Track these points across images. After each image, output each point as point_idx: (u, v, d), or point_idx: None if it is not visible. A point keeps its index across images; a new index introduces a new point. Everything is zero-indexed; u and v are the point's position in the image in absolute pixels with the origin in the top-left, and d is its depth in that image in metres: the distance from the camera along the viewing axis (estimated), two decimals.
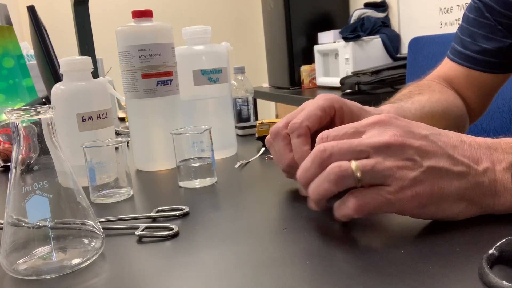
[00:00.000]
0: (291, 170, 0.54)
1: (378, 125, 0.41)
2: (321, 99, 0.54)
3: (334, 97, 0.55)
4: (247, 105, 1.04)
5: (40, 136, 0.41)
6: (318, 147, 0.40)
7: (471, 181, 0.40)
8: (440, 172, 0.39)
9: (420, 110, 0.67)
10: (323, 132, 0.43)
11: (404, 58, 1.71)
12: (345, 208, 0.40)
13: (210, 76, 0.79)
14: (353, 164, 0.39)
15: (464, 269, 0.34)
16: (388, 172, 0.38)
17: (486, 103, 0.81)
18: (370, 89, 1.84)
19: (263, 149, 0.83)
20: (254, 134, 0.92)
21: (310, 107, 0.53)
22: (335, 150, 0.39)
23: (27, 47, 1.51)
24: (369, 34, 2.18)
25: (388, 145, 0.38)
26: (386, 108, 0.65)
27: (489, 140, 0.43)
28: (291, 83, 2.52)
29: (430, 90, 0.74)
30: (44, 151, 0.41)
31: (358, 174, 0.38)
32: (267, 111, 3.32)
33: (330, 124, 0.56)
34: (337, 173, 0.39)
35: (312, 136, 0.53)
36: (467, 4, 0.79)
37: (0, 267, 0.40)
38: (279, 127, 0.54)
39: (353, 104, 0.56)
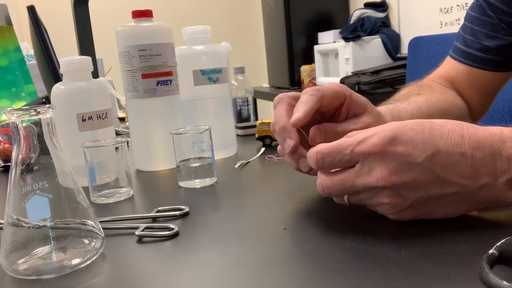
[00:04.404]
0: (282, 133, 0.51)
1: (371, 157, 0.40)
2: (334, 84, 0.56)
3: (344, 86, 0.56)
4: (247, 105, 1.04)
5: (40, 136, 0.41)
6: (318, 186, 0.45)
7: (463, 196, 0.41)
8: (429, 199, 0.41)
9: (416, 111, 0.67)
10: (320, 148, 0.43)
11: (404, 58, 1.71)
12: None
13: (210, 76, 0.79)
14: (345, 200, 0.45)
15: (464, 269, 0.34)
16: (375, 205, 0.43)
17: (488, 103, 0.81)
18: (370, 89, 1.84)
19: (263, 149, 0.83)
20: (254, 134, 0.92)
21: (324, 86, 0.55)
22: (332, 191, 0.44)
23: (27, 47, 1.51)
24: (369, 34, 2.18)
25: (375, 187, 0.41)
26: (382, 110, 0.65)
27: (495, 144, 0.40)
28: (291, 83, 2.52)
29: (429, 91, 0.74)
30: (44, 151, 0.41)
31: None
32: (267, 111, 3.32)
33: (336, 110, 0.55)
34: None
35: (320, 116, 0.55)
36: (467, 4, 0.79)
37: (0, 267, 0.40)
38: (286, 94, 0.56)
39: (361, 96, 0.57)
